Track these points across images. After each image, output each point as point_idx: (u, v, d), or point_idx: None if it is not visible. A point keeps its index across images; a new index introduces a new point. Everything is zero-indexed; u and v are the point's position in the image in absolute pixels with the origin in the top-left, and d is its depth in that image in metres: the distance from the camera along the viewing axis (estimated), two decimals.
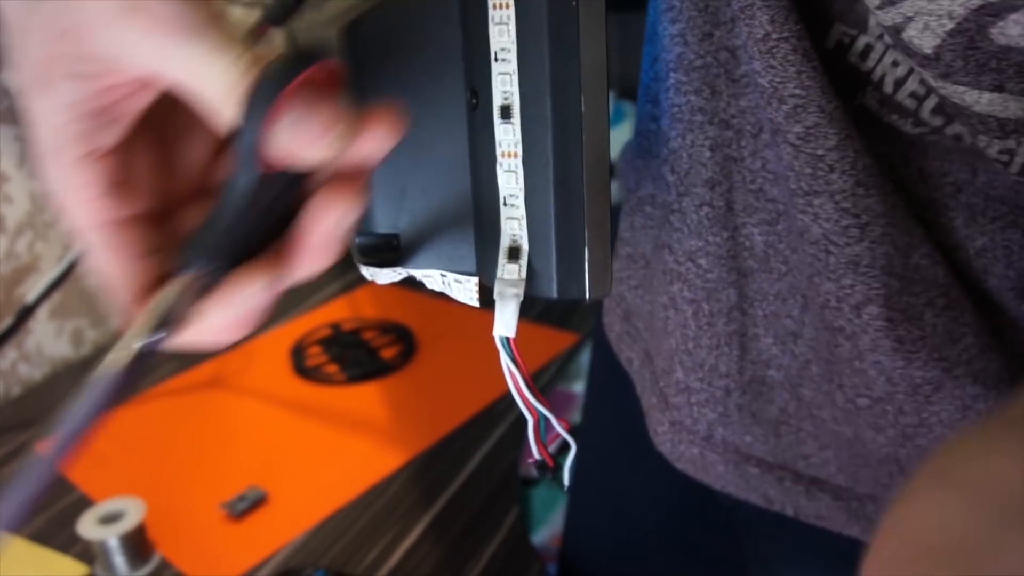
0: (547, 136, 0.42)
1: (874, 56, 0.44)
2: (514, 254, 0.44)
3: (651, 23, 0.56)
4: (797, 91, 0.44)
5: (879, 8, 0.40)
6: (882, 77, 0.44)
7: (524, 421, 0.48)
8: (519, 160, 0.43)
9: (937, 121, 0.43)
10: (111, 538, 0.81)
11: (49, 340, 1.18)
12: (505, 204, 0.44)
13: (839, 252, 0.47)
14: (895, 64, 0.43)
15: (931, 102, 0.42)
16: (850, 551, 0.62)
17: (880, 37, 0.43)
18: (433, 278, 0.47)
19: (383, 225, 0.47)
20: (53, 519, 0.89)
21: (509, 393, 1.09)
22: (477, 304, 0.45)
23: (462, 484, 0.93)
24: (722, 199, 0.53)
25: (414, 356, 1.15)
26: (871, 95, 0.45)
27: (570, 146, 0.42)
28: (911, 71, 0.43)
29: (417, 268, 0.47)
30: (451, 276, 0.46)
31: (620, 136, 1.27)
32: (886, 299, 0.46)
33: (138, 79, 0.32)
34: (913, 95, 0.43)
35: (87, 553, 0.84)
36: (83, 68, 0.32)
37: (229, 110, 0.30)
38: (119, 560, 0.82)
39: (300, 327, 1.22)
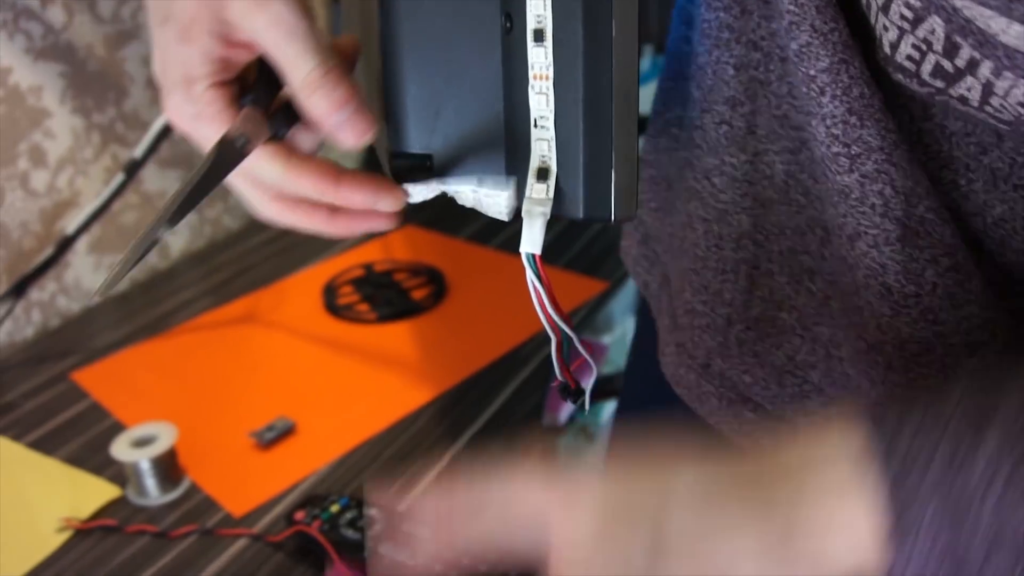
0: (578, 59, 0.43)
1: (871, 15, 0.44)
2: (543, 174, 0.46)
3: None
4: (791, 7, 0.44)
5: None
6: (880, 37, 0.44)
7: (550, 365, 0.49)
8: (550, 83, 0.44)
9: (939, 83, 0.42)
10: (143, 460, 0.84)
11: (87, 274, 1.20)
12: (536, 126, 0.45)
13: (831, 179, 0.47)
14: (886, 28, 0.43)
15: (928, 65, 0.41)
16: None
17: None
18: (464, 194, 0.48)
19: (417, 146, 0.48)
20: (88, 443, 0.92)
21: (535, 337, 1.11)
22: (506, 218, 0.47)
23: (486, 423, 0.94)
24: (742, 120, 0.52)
25: (444, 298, 1.16)
26: (878, 50, 0.45)
27: (600, 70, 0.43)
28: (902, 34, 0.41)
29: (449, 186, 0.48)
30: (482, 191, 0.47)
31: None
32: (875, 239, 0.46)
33: (253, 45, 0.46)
34: (910, 58, 0.42)
35: (120, 476, 0.87)
36: (219, 28, 0.45)
37: (296, 91, 0.46)
38: (150, 483, 0.84)
39: (333, 267, 1.24)
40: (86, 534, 0.81)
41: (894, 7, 0.41)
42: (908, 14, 0.40)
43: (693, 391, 0.63)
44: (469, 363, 1.03)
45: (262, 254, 1.31)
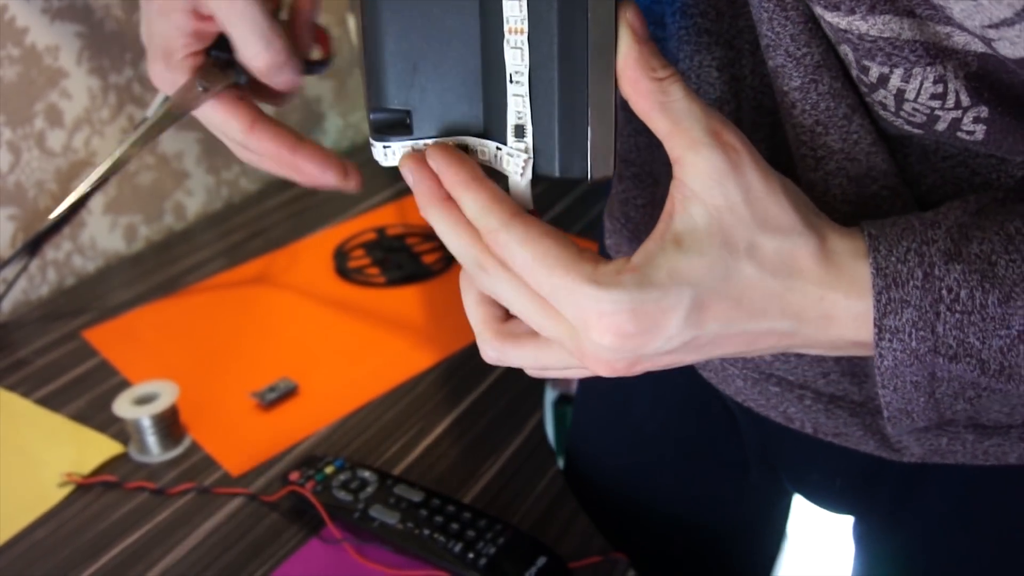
0: (552, 12, 0.42)
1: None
2: (520, 131, 0.45)
3: None
4: (768, 33, 0.46)
5: None
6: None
7: None
8: (524, 37, 0.43)
9: (864, 89, 0.45)
10: (144, 418, 0.85)
11: (103, 234, 1.21)
12: (511, 81, 0.44)
13: (801, 175, 0.50)
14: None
15: (852, 72, 0.45)
16: (833, 455, 0.64)
17: None
18: (488, 149, 0.47)
19: (395, 101, 0.48)
20: (93, 400, 0.93)
21: None
22: (520, 178, 0.46)
23: (488, 387, 0.95)
24: (731, 118, 0.53)
25: (455, 262, 1.16)
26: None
27: (575, 23, 0.42)
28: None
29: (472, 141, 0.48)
30: (504, 149, 0.46)
31: None
32: (836, 217, 0.47)
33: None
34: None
35: (123, 433, 0.88)
36: (191, 4, 0.50)
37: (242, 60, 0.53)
38: (151, 440, 0.85)
39: (347, 230, 1.24)
40: (87, 489, 0.82)
41: (823, 26, 0.44)
42: (831, 35, 0.44)
43: (718, 374, 0.64)
44: None
45: (278, 216, 1.32)
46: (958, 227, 0.43)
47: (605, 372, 0.45)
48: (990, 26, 0.37)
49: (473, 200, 0.45)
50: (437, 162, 0.46)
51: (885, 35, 0.41)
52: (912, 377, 0.44)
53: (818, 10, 0.42)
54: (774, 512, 0.88)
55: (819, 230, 0.44)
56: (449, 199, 0.46)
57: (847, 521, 0.78)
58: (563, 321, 0.44)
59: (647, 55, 0.43)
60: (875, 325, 0.43)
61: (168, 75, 0.52)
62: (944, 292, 0.42)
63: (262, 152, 0.54)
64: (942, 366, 0.43)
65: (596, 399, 0.86)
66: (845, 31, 0.42)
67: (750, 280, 0.43)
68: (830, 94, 0.46)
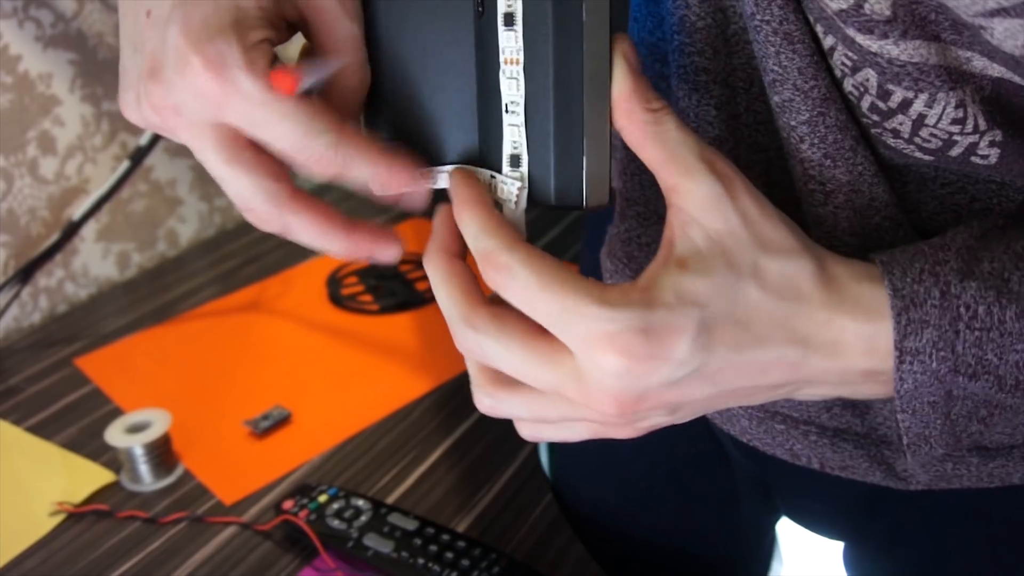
0: (548, 43, 0.43)
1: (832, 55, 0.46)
2: (515, 161, 0.45)
3: None
4: (775, 68, 0.46)
5: None
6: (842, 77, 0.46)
7: None
8: (520, 67, 0.43)
9: (875, 117, 0.45)
10: (136, 446, 0.84)
11: (95, 261, 1.21)
12: (507, 111, 0.45)
13: (807, 211, 0.50)
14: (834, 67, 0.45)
15: (865, 102, 0.45)
16: (836, 487, 0.64)
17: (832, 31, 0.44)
18: (483, 177, 0.47)
19: (392, 129, 0.48)
20: (85, 429, 0.93)
21: None
22: (514, 207, 0.46)
23: (482, 415, 0.93)
24: (730, 156, 0.53)
25: None
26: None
27: (570, 54, 0.43)
28: (844, 76, 0.45)
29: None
30: (499, 178, 0.46)
31: None
32: (841, 250, 0.47)
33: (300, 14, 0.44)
34: (851, 94, 0.45)
35: (114, 462, 0.87)
36: None
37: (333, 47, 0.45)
38: (144, 468, 0.85)
39: (338, 258, 1.24)
40: (78, 518, 0.82)
41: (836, 55, 0.44)
42: (848, 63, 0.43)
43: (723, 414, 0.64)
44: None
45: (271, 243, 1.32)
46: (966, 249, 0.44)
47: (611, 410, 0.42)
48: None
49: (477, 219, 0.43)
50: (454, 179, 0.45)
51: (914, 60, 0.41)
52: (930, 397, 0.44)
53: (851, 32, 0.41)
54: (764, 539, 0.88)
55: (817, 253, 0.44)
56: (453, 255, 0.45)
57: (838, 546, 0.78)
58: (563, 364, 0.42)
59: (642, 87, 0.43)
60: (896, 348, 0.43)
61: (236, 56, 0.40)
62: (962, 310, 0.42)
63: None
64: (960, 384, 0.43)
65: (578, 443, 0.85)
66: (876, 54, 0.41)
67: (756, 303, 0.42)
68: (837, 126, 0.46)
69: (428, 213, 0.48)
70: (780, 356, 0.43)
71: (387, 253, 0.47)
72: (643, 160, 0.44)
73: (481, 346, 0.43)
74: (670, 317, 0.41)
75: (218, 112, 0.41)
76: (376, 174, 0.44)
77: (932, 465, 0.58)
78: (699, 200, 0.42)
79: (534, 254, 0.42)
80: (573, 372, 0.42)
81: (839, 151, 0.47)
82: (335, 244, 0.46)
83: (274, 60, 0.42)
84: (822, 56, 0.45)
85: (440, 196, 0.48)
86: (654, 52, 0.57)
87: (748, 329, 0.42)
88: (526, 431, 0.48)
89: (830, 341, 0.43)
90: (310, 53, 0.46)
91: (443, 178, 0.47)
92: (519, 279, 0.42)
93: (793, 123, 0.47)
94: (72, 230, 1.10)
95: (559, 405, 0.44)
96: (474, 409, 0.92)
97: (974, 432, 0.47)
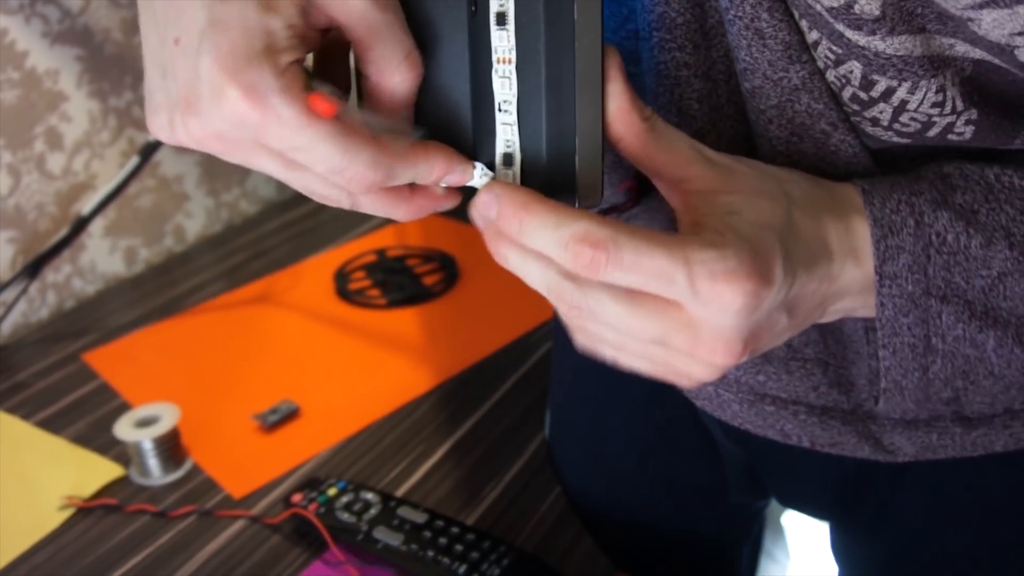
0: (539, 42, 0.43)
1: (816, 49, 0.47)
2: (509, 159, 0.45)
3: None
4: (746, 58, 0.48)
5: None
6: (825, 68, 0.48)
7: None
8: (513, 66, 0.44)
9: (855, 107, 0.47)
10: (145, 440, 0.84)
11: (103, 257, 1.21)
12: (500, 110, 0.45)
13: None
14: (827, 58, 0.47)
15: (847, 93, 0.47)
16: (825, 465, 0.65)
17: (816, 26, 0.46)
18: (476, 173, 0.47)
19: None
20: (93, 423, 0.93)
21: (544, 324, 1.11)
22: None
23: (490, 408, 0.94)
24: (713, 148, 0.53)
25: (456, 284, 1.16)
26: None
27: (562, 52, 0.43)
28: (827, 67, 0.47)
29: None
30: (479, 169, 0.46)
31: None
32: None
33: (334, 21, 0.42)
34: (834, 84, 0.47)
35: (123, 456, 0.87)
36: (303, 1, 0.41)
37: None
38: (153, 463, 0.85)
39: (347, 252, 1.24)
40: (87, 512, 0.82)
41: (820, 48, 0.46)
42: (831, 56, 0.45)
43: (713, 401, 0.65)
44: (476, 350, 1.03)
45: (278, 238, 1.32)
46: (941, 177, 0.48)
47: (719, 354, 0.42)
48: (1020, 33, 0.39)
49: (550, 211, 0.42)
50: (499, 186, 0.44)
51: (900, 53, 0.43)
52: (909, 338, 0.48)
53: (840, 27, 0.43)
54: (754, 523, 0.90)
55: (815, 179, 0.49)
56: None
57: (826, 530, 0.80)
58: (671, 315, 0.42)
59: (635, 98, 0.44)
60: (876, 272, 0.46)
61: (270, 81, 0.39)
62: (933, 237, 0.46)
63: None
64: (935, 310, 0.47)
65: (571, 442, 0.86)
66: (863, 48, 0.43)
67: (798, 221, 0.45)
68: (807, 113, 0.48)
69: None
70: (825, 270, 0.46)
71: (446, 206, 0.47)
72: (641, 166, 0.45)
73: (586, 300, 0.43)
74: (762, 242, 0.42)
75: (258, 137, 0.41)
76: (419, 176, 0.44)
77: (917, 437, 0.60)
78: (712, 176, 0.44)
79: (619, 223, 0.42)
80: (682, 322, 0.42)
81: (806, 130, 0.49)
82: (400, 211, 0.46)
83: (309, 79, 0.41)
84: (795, 49, 0.47)
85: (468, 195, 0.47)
86: (623, 51, 0.58)
87: (806, 246, 0.45)
88: (605, 351, 0.46)
89: (851, 249, 0.47)
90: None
91: (477, 173, 0.47)
92: (626, 246, 0.40)
93: (762, 107, 0.49)
94: (80, 226, 1.10)
95: (660, 324, 0.43)
96: (482, 403, 0.94)
97: (946, 398, 0.50)
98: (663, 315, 0.42)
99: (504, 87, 0.44)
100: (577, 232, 0.41)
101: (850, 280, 0.47)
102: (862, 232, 0.47)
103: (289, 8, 0.40)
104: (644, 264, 0.40)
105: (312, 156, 0.41)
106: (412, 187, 0.46)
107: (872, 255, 0.46)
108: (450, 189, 0.47)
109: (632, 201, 0.58)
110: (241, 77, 0.39)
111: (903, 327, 0.48)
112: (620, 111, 0.43)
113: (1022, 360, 0.50)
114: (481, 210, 0.43)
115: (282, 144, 0.41)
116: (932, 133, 0.47)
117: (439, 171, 0.45)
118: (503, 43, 0.43)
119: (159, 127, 0.43)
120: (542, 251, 0.42)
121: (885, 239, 0.46)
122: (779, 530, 1.42)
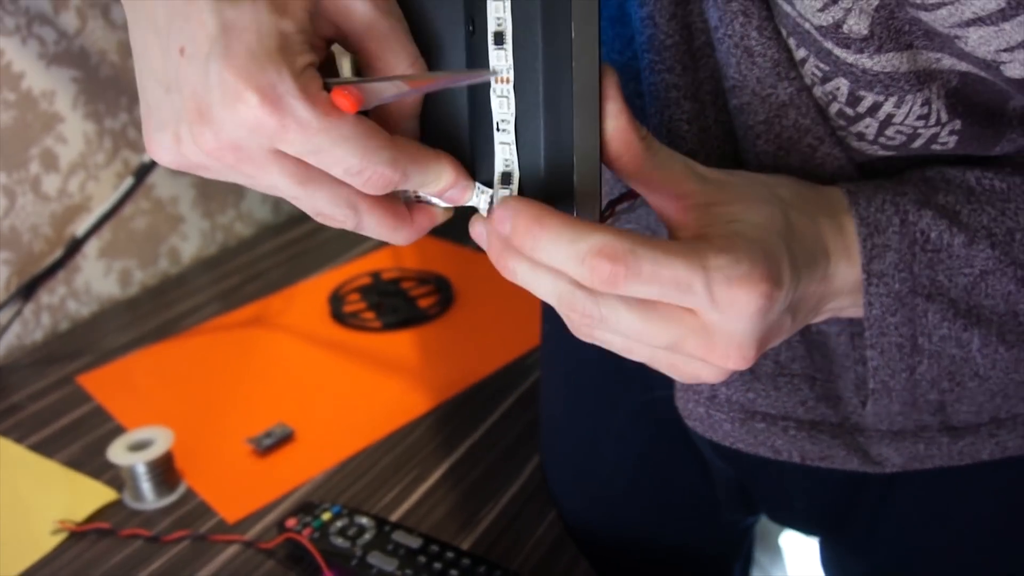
0: (537, 62, 0.43)
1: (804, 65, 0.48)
2: (507, 179, 0.45)
3: (618, 5, 0.57)
4: (735, 75, 0.49)
5: (820, 11, 0.43)
6: (812, 84, 0.49)
7: None
8: (511, 86, 0.44)
9: (841, 122, 0.49)
10: (139, 464, 0.84)
11: (98, 278, 1.21)
12: (498, 129, 0.45)
13: None
14: (814, 74, 0.48)
15: (833, 109, 0.49)
16: (815, 480, 0.67)
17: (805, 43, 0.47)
18: (475, 192, 0.47)
19: None
20: (87, 446, 0.93)
21: (539, 347, 1.10)
22: (485, 214, 0.46)
23: (485, 432, 0.94)
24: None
25: (451, 306, 1.16)
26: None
27: (559, 72, 0.43)
28: (814, 84, 0.48)
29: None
30: (490, 193, 0.46)
31: None
32: None
33: (340, 30, 0.43)
34: (821, 99, 0.49)
35: (117, 480, 0.87)
36: (312, 5, 0.41)
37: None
38: (146, 486, 0.85)
39: (342, 275, 1.24)
40: (80, 537, 0.81)
41: (808, 66, 0.47)
42: (819, 73, 0.47)
43: (704, 422, 0.65)
44: (471, 373, 1.03)
45: (273, 260, 1.32)
46: (924, 180, 0.49)
47: (732, 359, 0.42)
48: (1006, 49, 0.40)
49: (567, 225, 0.41)
50: (515, 201, 0.43)
51: (887, 70, 0.45)
52: (896, 337, 0.49)
53: (828, 45, 0.44)
54: (744, 540, 0.90)
55: (802, 181, 0.50)
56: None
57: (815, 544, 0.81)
58: (685, 321, 0.42)
59: (632, 119, 0.43)
60: (863, 271, 0.48)
61: (287, 83, 0.38)
62: (918, 234, 0.48)
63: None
64: (920, 308, 0.48)
65: (562, 461, 0.86)
66: (850, 65, 0.45)
67: (796, 222, 0.46)
68: (794, 128, 0.50)
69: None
70: (824, 270, 0.47)
71: (442, 219, 0.47)
72: (637, 185, 0.45)
73: (599, 309, 0.42)
74: (769, 245, 0.43)
75: (275, 142, 0.40)
76: (429, 182, 0.44)
77: (904, 447, 0.60)
78: (708, 190, 0.45)
79: (635, 234, 0.41)
80: (696, 328, 0.42)
81: (793, 145, 0.50)
82: (401, 232, 0.46)
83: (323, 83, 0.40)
84: (784, 66, 0.48)
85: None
86: (625, 72, 0.58)
87: (806, 246, 0.45)
88: (617, 347, 0.45)
89: (844, 248, 0.48)
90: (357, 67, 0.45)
91: (477, 194, 0.47)
92: (644, 258, 0.40)
93: (750, 123, 0.50)
94: (75, 247, 1.10)
95: (673, 329, 0.43)
96: (477, 426, 0.94)
97: (933, 401, 0.51)
98: (677, 322, 0.42)
99: (502, 106, 0.44)
100: (595, 246, 0.40)
101: (843, 280, 0.48)
102: (852, 231, 0.48)
103: (300, 12, 0.39)
104: (663, 275, 0.40)
105: (331, 158, 0.40)
106: (411, 207, 0.46)
107: (859, 253, 0.48)
108: (446, 213, 0.47)
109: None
110: (258, 80, 0.38)
111: (890, 327, 0.49)
112: (618, 130, 0.43)
113: (1007, 360, 0.50)
114: (496, 226, 0.42)
115: (300, 148, 0.40)
116: (917, 144, 0.49)
117: (448, 178, 0.45)
118: (501, 62, 0.43)
119: (162, 146, 0.41)
120: (559, 267, 0.41)
121: (872, 237, 0.47)
122: (777, 551, 1.41)
